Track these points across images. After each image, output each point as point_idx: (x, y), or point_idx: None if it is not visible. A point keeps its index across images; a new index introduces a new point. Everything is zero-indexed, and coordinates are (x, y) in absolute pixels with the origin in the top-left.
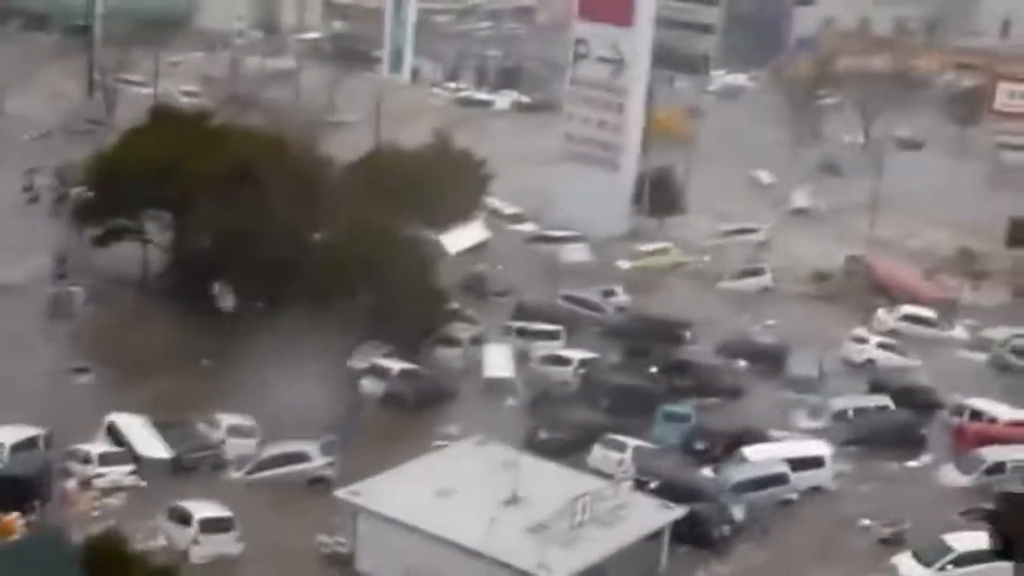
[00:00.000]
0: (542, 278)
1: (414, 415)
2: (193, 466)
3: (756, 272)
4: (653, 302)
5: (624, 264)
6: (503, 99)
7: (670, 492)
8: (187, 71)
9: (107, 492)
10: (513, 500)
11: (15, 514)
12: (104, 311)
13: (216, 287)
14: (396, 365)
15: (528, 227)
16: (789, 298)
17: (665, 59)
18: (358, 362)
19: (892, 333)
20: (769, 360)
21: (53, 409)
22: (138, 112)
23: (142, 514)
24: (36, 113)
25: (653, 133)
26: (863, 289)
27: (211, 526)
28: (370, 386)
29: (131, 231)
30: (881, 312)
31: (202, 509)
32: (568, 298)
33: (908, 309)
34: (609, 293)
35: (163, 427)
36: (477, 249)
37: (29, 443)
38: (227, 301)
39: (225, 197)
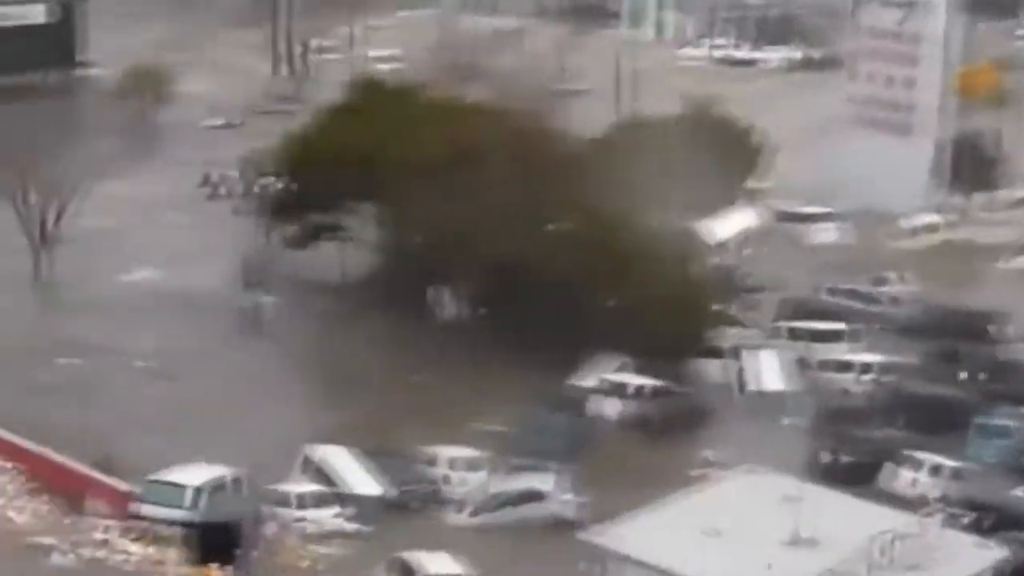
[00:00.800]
0: (791, 265)
1: (662, 440)
2: (408, 504)
3: None
4: (925, 289)
5: (887, 244)
6: (771, 56)
7: (992, 522)
8: (389, 37)
9: (314, 538)
10: (796, 540)
11: (214, 566)
12: (302, 323)
13: (432, 291)
14: (637, 380)
15: (781, 204)
16: None
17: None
18: (591, 379)
19: None
20: None
21: (250, 440)
22: (334, 87)
23: (356, 565)
24: (215, 93)
25: (958, 90)
26: None
27: None
28: (607, 407)
29: (332, 228)
30: None
31: (431, 563)
32: (834, 290)
33: None
34: (881, 281)
35: (371, 458)
36: (739, 238)
37: (227, 483)
38: (445, 308)
39: (443, 185)
